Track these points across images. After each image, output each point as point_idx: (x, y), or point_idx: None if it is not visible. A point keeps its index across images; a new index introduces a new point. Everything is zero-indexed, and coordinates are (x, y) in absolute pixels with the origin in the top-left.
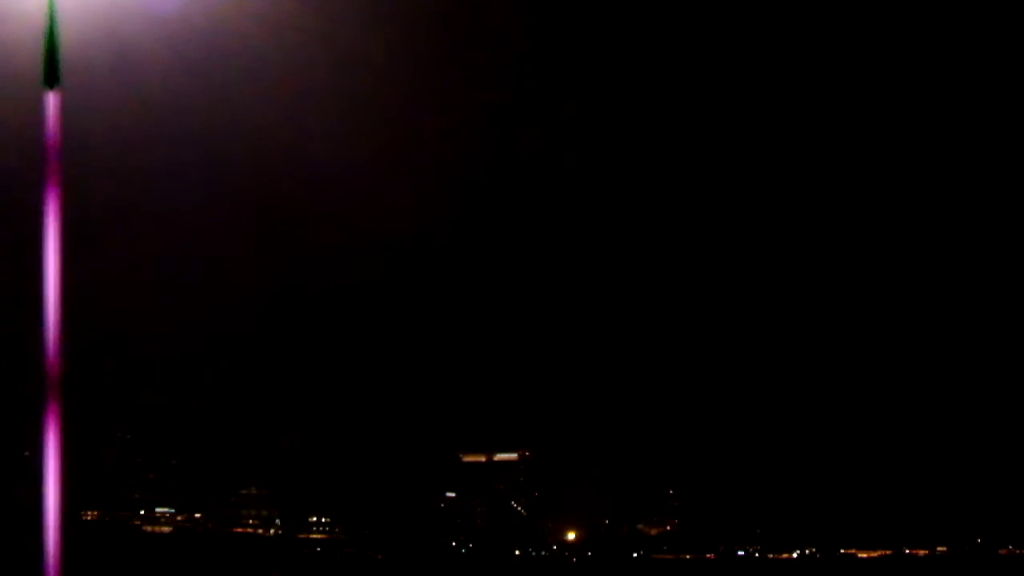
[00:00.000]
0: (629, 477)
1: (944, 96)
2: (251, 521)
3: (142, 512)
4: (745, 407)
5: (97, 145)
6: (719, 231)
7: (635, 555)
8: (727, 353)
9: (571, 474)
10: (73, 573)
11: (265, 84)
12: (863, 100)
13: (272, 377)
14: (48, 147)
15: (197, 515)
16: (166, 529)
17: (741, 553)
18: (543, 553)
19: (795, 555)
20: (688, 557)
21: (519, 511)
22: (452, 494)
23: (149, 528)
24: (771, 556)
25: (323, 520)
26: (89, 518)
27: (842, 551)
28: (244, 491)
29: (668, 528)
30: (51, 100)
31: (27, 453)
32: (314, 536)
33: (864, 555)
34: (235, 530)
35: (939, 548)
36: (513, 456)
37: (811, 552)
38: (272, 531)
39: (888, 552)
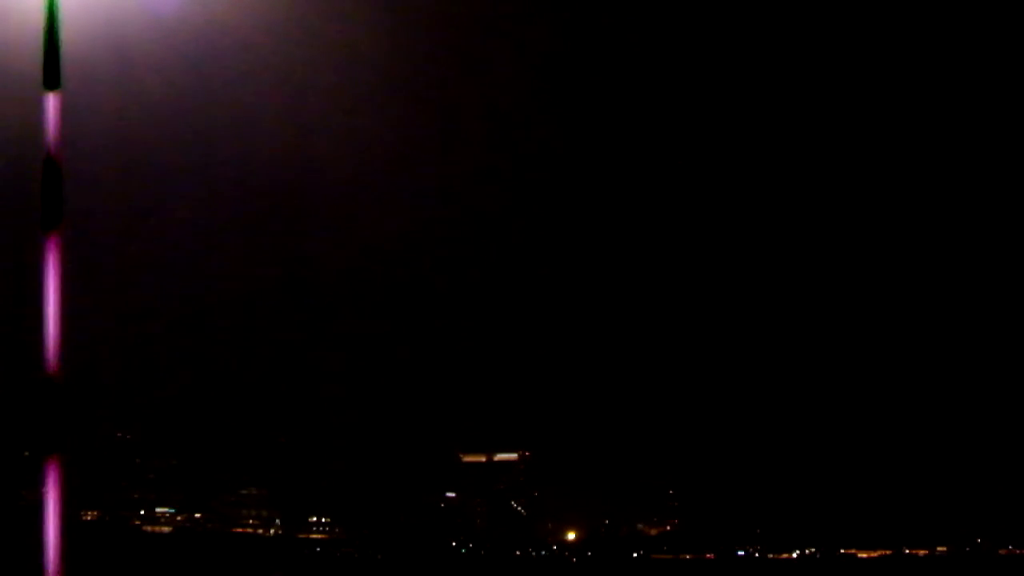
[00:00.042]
0: (629, 477)
1: (944, 96)
2: (251, 521)
3: (142, 512)
4: (745, 407)
5: (97, 145)
6: (719, 231)
7: (635, 555)
8: (727, 353)
9: (571, 474)
10: (73, 573)
11: (265, 84)
12: (863, 100)
13: (272, 377)
14: (48, 147)
15: (197, 515)
16: (166, 529)
17: (741, 553)
18: (543, 553)
19: (795, 555)
20: (688, 557)
21: (519, 511)
22: (452, 494)
23: (149, 528)
24: (771, 556)
25: (323, 520)
26: (89, 518)
27: (842, 551)
28: (244, 491)
29: (668, 528)
30: (51, 100)
31: (27, 453)
32: (314, 536)
33: (864, 555)
34: (235, 530)
35: (939, 548)
36: (513, 456)
37: (811, 552)
38: (272, 531)
39: (888, 552)
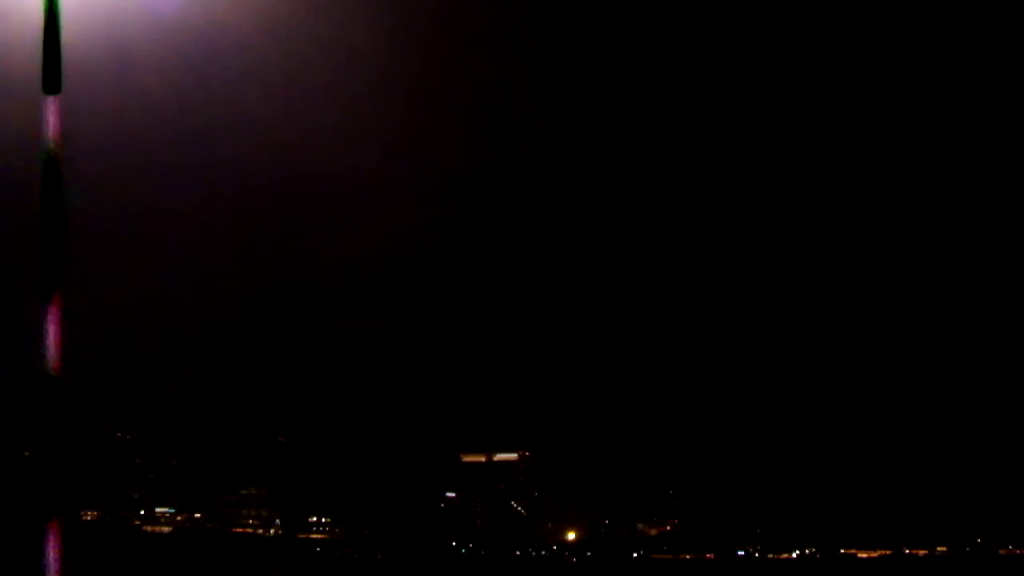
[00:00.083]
0: (629, 477)
1: (944, 96)
2: (251, 521)
3: (142, 512)
4: (745, 407)
5: (97, 146)
6: (719, 231)
7: (635, 555)
8: (727, 353)
9: (571, 474)
10: (73, 573)
11: (265, 84)
12: (863, 100)
13: (272, 377)
14: (49, 147)
15: (197, 515)
16: (166, 529)
17: (741, 553)
18: (543, 553)
19: (795, 555)
20: (688, 557)
21: (519, 511)
22: (452, 494)
23: (149, 528)
24: (771, 556)
25: (323, 520)
26: (89, 518)
27: (842, 551)
28: (244, 491)
29: (668, 528)
30: (51, 101)
31: (27, 453)
32: (314, 536)
33: (864, 555)
34: (235, 530)
35: (939, 548)
36: (513, 456)
37: (811, 552)
38: (272, 531)
39: (888, 552)
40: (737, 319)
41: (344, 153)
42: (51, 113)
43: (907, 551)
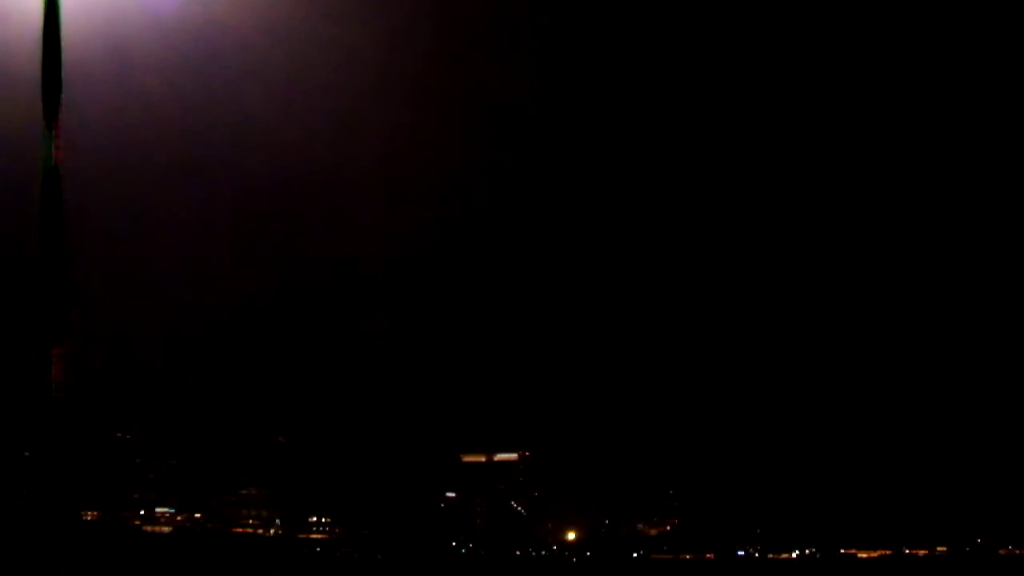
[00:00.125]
0: (629, 477)
1: (944, 96)
2: (251, 521)
3: (142, 512)
4: (745, 407)
5: (97, 146)
6: (718, 231)
7: (635, 555)
8: (727, 353)
9: (571, 474)
10: (73, 573)
11: (265, 84)
12: (863, 100)
13: (272, 377)
14: (48, 147)
15: (197, 515)
16: (166, 529)
17: (741, 553)
18: (543, 553)
19: (795, 555)
20: (688, 557)
21: (519, 511)
22: (452, 494)
23: (149, 528)
24: (771, 556)
25: (323, 520)
26: (89, 518)
27: (842, 551)
28: (244, 491)
29: (668, 528)
30: (51, 101)
31: (27, 453)
32: (314, 536)
33: (864, 555)
34: (235, 530)
35: (939, 548)
36: (513, 456)
37: (811, 552)
38: (272, 531)
39: (888, 552)
40: (737, 319)
41: (344, 153)
42: (51, 111)
43: (907, 551)
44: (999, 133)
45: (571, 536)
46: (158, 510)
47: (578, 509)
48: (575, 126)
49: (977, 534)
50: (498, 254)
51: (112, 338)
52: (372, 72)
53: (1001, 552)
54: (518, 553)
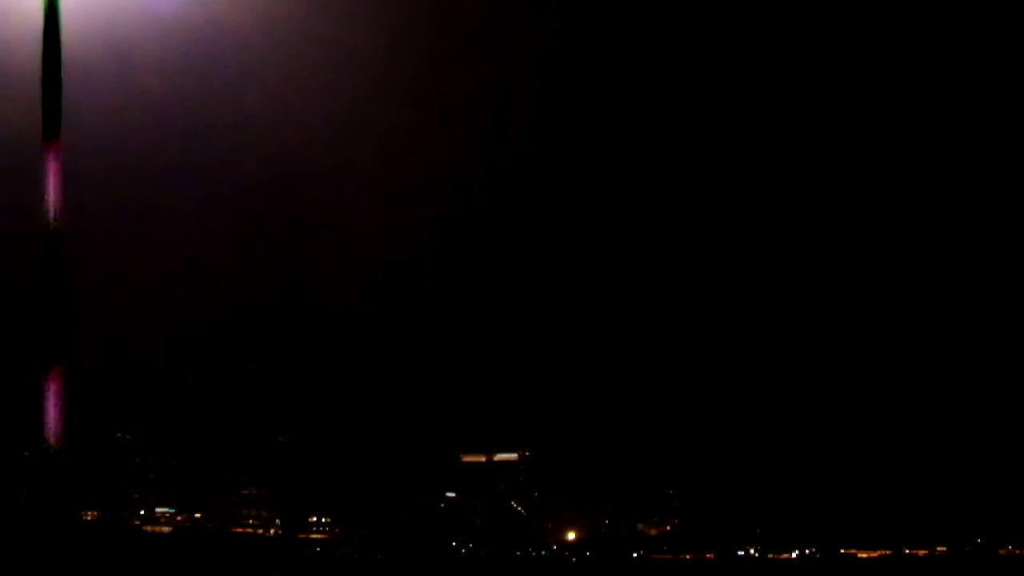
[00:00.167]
0: (629, 477)
1: (944, 96)
2: (251, 521)
3: (142, 512)
4: (745, 407)
5: (97, 146)
6: (718, 232)
7: (635, 555)
8: (727, 353)
9: (571, 474)
10: (73, 573)
11: (265, 84)
12: (863, 101)
13: (272, 377)
14: (48, 148)
15: (197, 515)
16: (166, 529)
17: (741, 553)
18: (543, 553)
19: (795, 555)
20: (688, 557)
21: (519, 511)
22: (452, 494)
23: (149, 528)
24: (771, 556)
25: (323, 520)
26: (89, 518)
27: (842, 551)
28: (244, 491)
29: (668, 528)
30: (51, 101)
31: (27, 453)
32: (314, 536)
33: (864, 555)
34: (235, 530)
35: (939, 548)
36: (513, 456)
37: (811, 552)
38: (272, 531)
39: (888, 552)
40: (737, 319)
41: (344, 153)
42: (51, 111)
43: (907, 551)
44: (998, 133)
45: (571, 536)
46: (158, 510)
47: (578, 509)
48: (575, 126)
49: (977, 534)
50: (498, 254)
51: (112, 338)
52: (372, 72)
53: (1001, 552)
54: (518, 553)
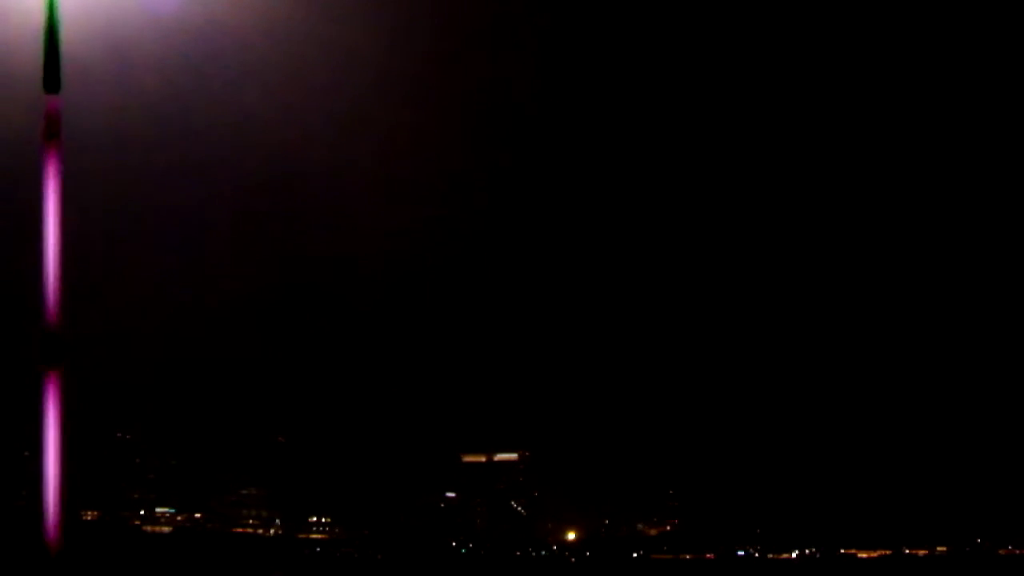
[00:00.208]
0: (629, 477)
1: (944, 96)
2: (251, 521)
3: (142, 512)
4: (745, 407)
5: (97, 146)
6: (718, 233)
7: (635, 555)
8: (727, 353)
9: (571, 474)
10: (73, 573)
11: (264, 84)
12: (863, 101)
13: (272, 377)
14: (48, 148)
15: (197, 515)
16: (166, 529)
17: (741, 553)
18: (543, 553)
19: (795, 555)
20: (688, 557)
21: (519, 511)
22: (452, 494)
23: (149, 528)
24: (771, 556)
25: (323, 520)
26: (89, 518)
27: (842, 551)
28: (244, 491)
29: (668, 528)
30: (51, 100)
31: (27, 453)
32: (314, 536)
33: (864, 555)
34: (235, 530)
35: (939, 548)
36: (513, 456)
37: (811, 552)
38: (272, 531)
39: (888, 552)
40: (737, 320)
41: (344, 153)
42: (51, 111)
43: (907, 551)
44: (998, 133)
45: (571, 536)
46: (158, 510)
47: (578, 509)
48: (574, 126)
49: (977, 534)
50: (497, 254)
51: (112, 338)
52: (372, 72)
53: (1001, 552)
54: (518, 553)
